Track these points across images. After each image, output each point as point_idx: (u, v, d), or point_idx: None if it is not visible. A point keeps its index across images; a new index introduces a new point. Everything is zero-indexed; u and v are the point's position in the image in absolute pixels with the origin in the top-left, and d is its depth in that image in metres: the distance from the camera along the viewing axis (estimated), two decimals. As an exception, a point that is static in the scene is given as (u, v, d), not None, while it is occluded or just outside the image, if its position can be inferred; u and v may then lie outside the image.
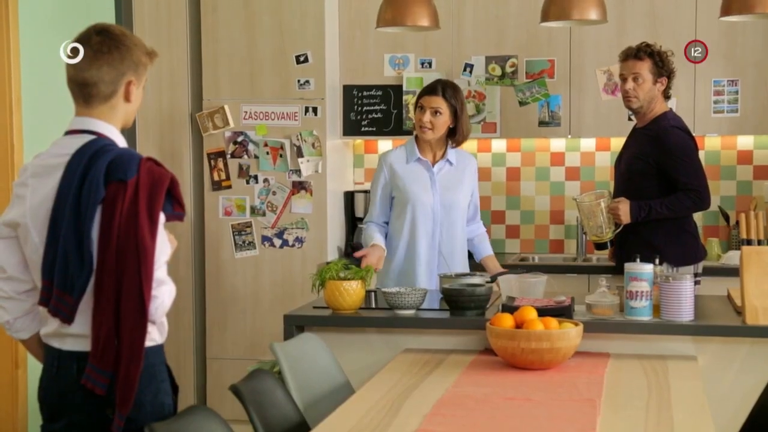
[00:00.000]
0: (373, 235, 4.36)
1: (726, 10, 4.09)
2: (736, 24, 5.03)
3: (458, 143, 4.43)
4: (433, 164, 4.41)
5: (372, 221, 4.44)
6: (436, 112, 4.31)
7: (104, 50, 2.55)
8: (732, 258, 4.98)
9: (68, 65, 2.58)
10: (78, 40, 2.58)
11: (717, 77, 5.21)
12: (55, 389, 2.59)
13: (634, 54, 4.37)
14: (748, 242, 5.10)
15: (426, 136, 4.35)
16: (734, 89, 5.20)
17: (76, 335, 2.54)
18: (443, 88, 4.34)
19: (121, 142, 2.62)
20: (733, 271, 4.11)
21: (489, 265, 4.48)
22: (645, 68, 4.35)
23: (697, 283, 4.12)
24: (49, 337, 2.61)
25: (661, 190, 4.32)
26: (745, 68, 5.19)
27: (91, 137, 2.57)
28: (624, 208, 4.30)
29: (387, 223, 4.45)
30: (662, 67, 4.36)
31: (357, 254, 4.23)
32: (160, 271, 2.51)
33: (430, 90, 4.36)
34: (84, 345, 2.53)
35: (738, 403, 3.30)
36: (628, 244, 4.27)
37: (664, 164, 4.31)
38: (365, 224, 4.48)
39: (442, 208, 4.37)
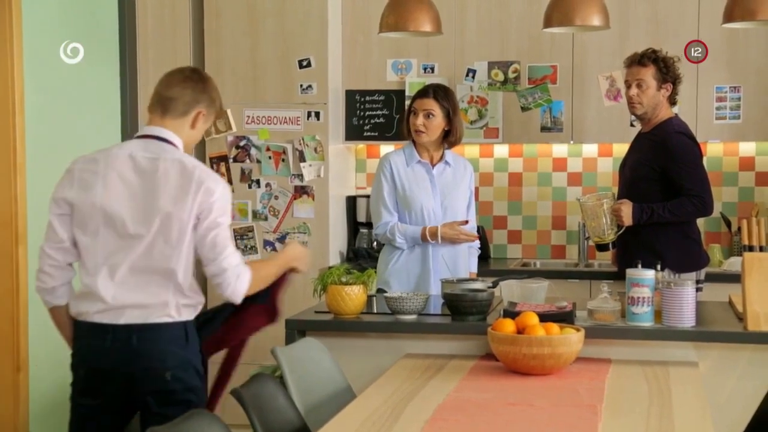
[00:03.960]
0: (405, 227, 4.32)
1: (729, 17, 4.09)
2: (738, 31, 5.02)
3: (452, 145, 4.43)
4: (433, 166, 4.41)
5: (388, 221, 4.35)
6: (428, 115, 4.32)
7: (193, 78, 3.00)
8: (734, 264, 4.98)
9: (160, 85, 2.99)
10: (176, 70, 3.04)
11: (719, 84, 5.21)
12: (107, 362, 2.85)
13: (638, 60, 4.37)
14: (750, 248, 5.09)
15: (421, 139, 4.36)
16: (736, 96, 5.20)
17: (133, 306, 2.84)
18: (434, 90, 4.36)
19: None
20: (735, 278, 4.09)
21: None
22: (648, 74, 4.35)
23: (699, 289, 4.12)
24: (96, 314, 2.85)
25: (665, 196, 4.31)
26: (748, 75, 5.19)
27: (163, 143, 2.92)
28: (626, 209, 4.29)
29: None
30: (667, 74, 4.36)
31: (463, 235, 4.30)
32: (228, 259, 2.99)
33: (422, 93, 4.38)
34: (140, 317, 2.85)
35: (739, 409, 3.29)
36: (631, 250, 4.26)
37: (668, 170, 4.31)
38: (383, 225, 4.35)
39: (442, 210, 4.37)
